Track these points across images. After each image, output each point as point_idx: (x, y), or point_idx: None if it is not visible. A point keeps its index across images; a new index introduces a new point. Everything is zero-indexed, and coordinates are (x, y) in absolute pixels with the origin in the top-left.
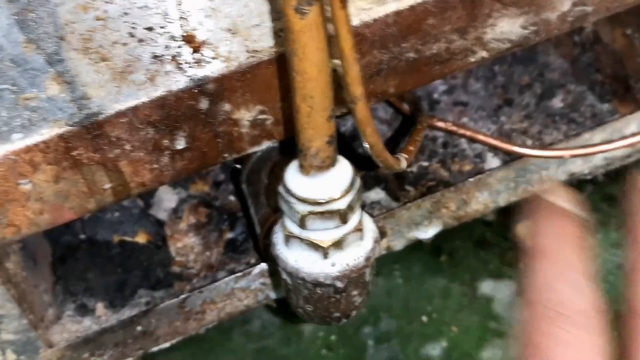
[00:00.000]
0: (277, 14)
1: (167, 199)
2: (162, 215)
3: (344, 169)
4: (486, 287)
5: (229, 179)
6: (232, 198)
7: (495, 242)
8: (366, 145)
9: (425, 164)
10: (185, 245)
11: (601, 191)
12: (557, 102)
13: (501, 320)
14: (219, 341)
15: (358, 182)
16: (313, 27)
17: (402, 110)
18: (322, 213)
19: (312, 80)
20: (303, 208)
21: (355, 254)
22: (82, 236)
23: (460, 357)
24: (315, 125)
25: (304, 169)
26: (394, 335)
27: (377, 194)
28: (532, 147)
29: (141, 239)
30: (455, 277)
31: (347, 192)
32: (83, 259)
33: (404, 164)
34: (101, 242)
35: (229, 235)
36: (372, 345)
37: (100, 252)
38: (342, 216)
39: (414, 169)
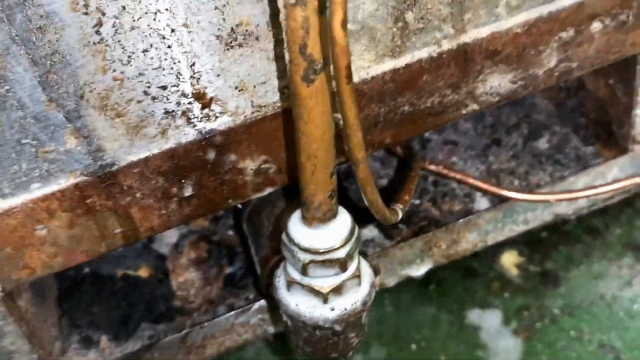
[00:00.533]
0: (282, 72)
1: (169, 234)
2: (164, 249)
3: (344, 220)
4: (473, 316)
5: (227, 213)
6: (230, 233)
7: (482, 272)
8: (366, 201)
9: (416, 202)
10: (186, 280)
11: (584, 223)
12: (543, 143)
13: (487, 349)
14: None
15: (357, 232)
16: (319, 93)
17: (396, 153)
18: (323, 262)
19: (317, 141)
20: (305, 257)
21: (353, 298)
22: (87, 270)
23: None
24: (318, 181)
25: (306, 220)
26: None
27: (371, 232)
28: (520, 190)
29: (144, 272)
30: (444, 306)
31: (346, 241)
32: (88, 292)
33: (400, 215)
34: (105, 276)
35: (229, 270)
36: None
37: (105, 286)
38: (342, 264)
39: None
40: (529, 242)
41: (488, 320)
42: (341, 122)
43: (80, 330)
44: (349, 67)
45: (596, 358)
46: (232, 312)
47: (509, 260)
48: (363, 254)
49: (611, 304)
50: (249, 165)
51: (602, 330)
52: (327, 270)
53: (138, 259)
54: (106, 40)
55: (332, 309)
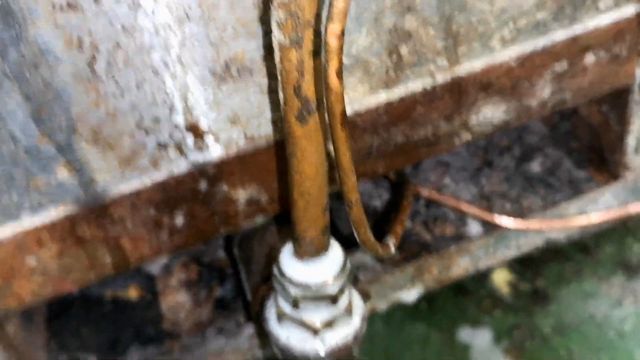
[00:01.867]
0: (276, 105)
1: None
2: (154, 270)
3: (335, 254)
4: (464, 334)
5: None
6: (221, 254)
7: (473, 289)
8: (359, 240)
9: (408, 225)
10: (176, 301)
11: (575, 242)
12: (535, 166)
13: None
14: None
15: (348, 266)
16: (313, 133)
17: (388, 177)
18: (314, 296)
19: (310, 179)
20: (296, 291)
21: (344, 332)
22: (76, 292)
23: None
24: (311, 218)
25: (298, 255)
26: None
27: (362, 257)
28: (512, 218)
29: (133, 292)
30: (434, 324)
31: (338, 276)
32: (77, 314)
33: (392, 250)
34: (94, 298)
35: (219, 292)
36: None
37: (94, 308)
38: (334, 299)
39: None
40: (520, 260)
41: (479, 339)
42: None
43: (69, 353)
44: (343, 114)
45: None
46: (222, 337)
47: (500, 278)
48: (354, 279)
49: (601, 324)
50: (241, 195)
51: (592, 351)
52: (319, 304)
53: (127, 279)
54: (100, 76)
55: (323, 343)
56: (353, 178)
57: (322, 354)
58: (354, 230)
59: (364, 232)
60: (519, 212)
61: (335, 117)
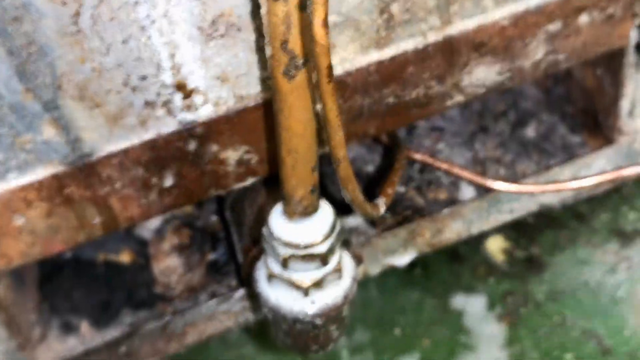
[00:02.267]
0: (264, 63)
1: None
2: (146, 234)
3: (325, 214)
4: (458, 300)
5: (212, 199)
6: (214, 218)
7: (467, 256)
8: (348, 198)
9: (402, 189)
10: (168, 266)
11: (570, 209)
12: (530, 131)
13: (471, 334)
14: (197, 350)
15: (338, 226)
16: (300, 89)
17: (381, 141)
18: (303, 256)
19: (298, 136)
20: (285, 251)
21: (334, 292)
22: (68, 255)
23: None
24: (299, 176)
25: (287, 215)
26: (367, 347)
27: (355, 220)
28: (505, 181)
29: (125, 257)
30: (428, 290)
31: (328, 236)
32: (69, 277)
33: (382, 210)
34: (86, 261)
35: (211, 256)
36: (347, 356)
37: (85, 271)
38: (323, 258)
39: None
40: (515, 227)
41: (472, 305)
42: (322, 112)
43: (61, 315)
44: (330, 67)
45: (579, 344)
46: (214, 300)
47: (495, 245)
48: (346, 243)
49: (595, 291)
50: (231, 155)
51: (586, 317)
52: (308, 264)
53: (120, 243)
54: (84, 31)
55: (313, 303)
56: (340, 133)
57: (312, 313)
58: (342, 188)
59: (352, 189)
60: (513, 177)
61: (321, 70)
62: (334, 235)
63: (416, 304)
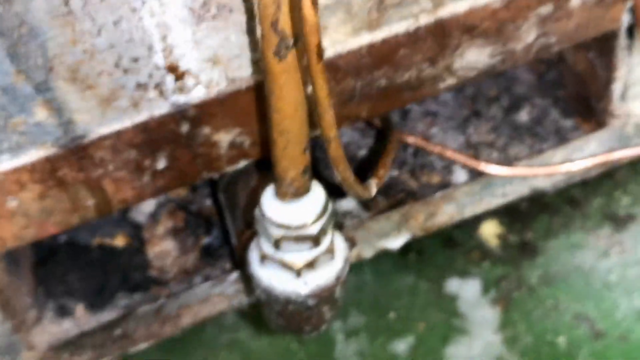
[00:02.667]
0: (256, 45)
1: (146, 202)
2: (141, 218)
3: (317, 195)
4: (452, 285)
5: (206, 183)
6: (208, 202)
7: (461, 241)
8: (339, 178)
9: (395, 173)
10: (163, 249)
11: (563, 194)
12: (523, 116)
13: (465, 318)
14: (192, 334)
15: (330, 208)
16: (290, 69)
17: (374, 124)
18: (295, 237)
19: (289, 117)
20: (278, 232)
21: (327, 273)
22: (63, 239)
23: (425, 353)
24: (291, 157)
25: (279, 196)
26: (362, 331)
27: (348, 203)
28: (497, 164)
29: (120, 241)
30: (423, 274)
31: (319, 217)
32: (64, 261)
33: (373, 191)
34: (81, 245)
35: (205, 240)
36: (341, 340)
37: (80, 255)
38: (315, 239)
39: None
40: (509, 212)
41: (467, 290)
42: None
43: (56, 299)
44: (319, 46)
45: (571, 328)
46: (208, 282)
47: (489, 230)
48: (340, 226)
49: (588, 275)
50: (223, 138)
51: (578, 301)
52: (300, 245)
53: (114, 227)
54: (75, 12)
55: (305, 284)
56: (330, 113)
57: (304, 294)
58: (333, 168)
59: (343, 169)
60: (506, 161)
61: (310, 49)
62: (326, 216)
63: (411, 288)
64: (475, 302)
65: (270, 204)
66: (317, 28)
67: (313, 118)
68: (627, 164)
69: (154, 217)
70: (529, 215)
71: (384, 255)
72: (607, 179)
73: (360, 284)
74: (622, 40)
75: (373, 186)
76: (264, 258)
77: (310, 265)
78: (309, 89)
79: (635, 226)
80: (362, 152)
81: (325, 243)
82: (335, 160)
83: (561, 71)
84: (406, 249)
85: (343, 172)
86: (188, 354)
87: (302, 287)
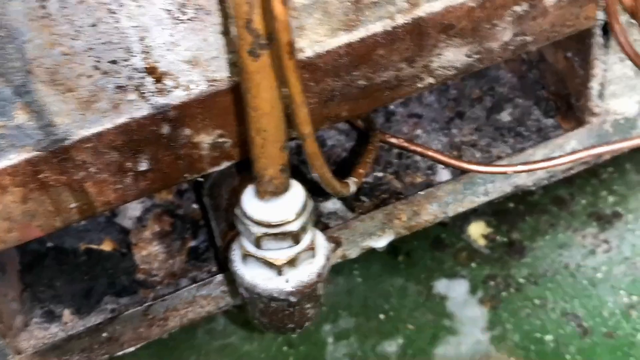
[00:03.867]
0: (233, 46)
1: (132, 207)
2: (127, 223)
3: (296, 193)
4: (441, 286)
5: (192, 187)
6: (194, 206)
7: (449, 242)
8: (315, 175)
9: (380, 174)
10: (150, 253)
11: (550, 193)
12: (505, 116)
13: (454, 318)
14: (183, 339)
15: (310, 205)
16: (265, 68)
17: (356, 125)
18: (276, 235)
19: (266, 115)
20: (258, 230)
21: (308, 270)
22: (49, 244)
23: (415, 353)
24: (269, 155)
25: (259, 194)
26: (352, 333)
27: (333, 204)
28: (479, 163)
29: (107, 246)
30: (412, 276)
31: (299, 215)
32: (50, 266)
33: (352, 189)
34: (68, 250)
35: (192, 243)
36: (332, 342)
37: (67, 260)
38: (295, 237)
39: (369, 179)
40: (497, 213)
41: (455, 290)
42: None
43: (43, 304)
44: (290, 44)
45: (559, 326)
46: (194, 285)
47: (477, 230)
48: (325, 226)
49: (575, 273)
50: (205, 139)
51: (566, 299)
52: (281, 242)
53: (101, 232)
54: (53, 15)
55: (287, 281)
56: (304, 110)
57: (286, 291)
58: (309, 165)
59: (319, 165)
60: (489, 161)
61: (282, 47)
62: (306, 213)
63: (400, 290)
64: (463, 302)
65: (250, 202)
66: (287, 25)
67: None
68: (611, 163)
69: (140, 221)
70: (516, 215)
71: (373, 257)
72: (592, 178)
73: (350, 286)
74: (598, 38)
75: (352, 184)
76: (245, 256)
77: (292, 262)
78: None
79: (621, 224)
80: (346, 154)
81: (305, 240)
82: (312, 156)
83: (542, 71)
84: (395, 251)
85: (319, 169)
86: (178, 358)
87: (284, 284)
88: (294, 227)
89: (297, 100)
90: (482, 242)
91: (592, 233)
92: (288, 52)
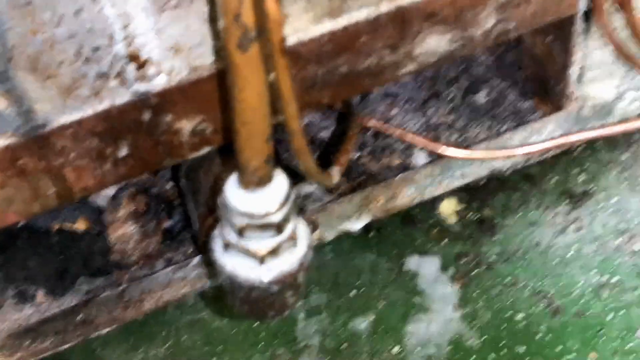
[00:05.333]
0: (218, 34)
1: None
2: (102, 202)
3: (280, 184)
4: (412, 262)
5: (167, 167)
6: (169, 185)
7: (421, 219)
8: (302, 168)
9: (356, 155)
10: (124, 233)
11: (522, 171)
12: (481, 97)
13: (425, 295)
14: (153, 315)
15: (293, 196)
16: (253, 61)
17: (336, 109)
18: (258, 225)
19: (251, 108)
20: (241, 220)
21: (290, 259)
22: (22, 223)
23: (386, 330)
24: (254, 147)
25: (243, 185)
26: (324, 309)
27: (310, 186)
28: (456, 147)
29: (80, 226)
30: (383, 252)
31: (282, 205)
32: (23, 246)
33: (336, 179)
34: (41, 230)
35: (167, 224)
36: (303, 319)
37: (40, 240)
38: (278, 227)
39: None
40: (468, 190)
41: (426, 267)
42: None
43: (16, 285)
44: (282, 42)
45: (530, 304)
46: (171, 267)
47: (448, 207)
48: (301, 209)
49: (546, 252)
50: (185, 125)
51: (537, 277)
52: (263, 233)
53: (75, 211)
54: (35, 2)
55: (269, 270)
56: (294, 106)
57: (268, 280)
58: (296, 159)
59: (306, 160)
60: (465, 142)
61: (274, 44)
62: (289, 204)
63: (371, 267)
64: (434, 279)
65: (233, 192)
66: (280, 25)
67: (275, 105)
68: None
69: (115, 200)
70: (487, 192)
71: (344, 234)
72: (563, 156)
73: (321, 263)
74: (579, 25)
75: (335, 174)
76: (227, 246)
77: (274, 252)
78: (271, 76)
79: (592, 203)
80: (323, 134)
81: (288, 230)
82: (299, 152)
83: (519, 54)
84: (366, 227)
85: (306, 163)
86: (150, 336)
87: (265, 273)
88: (277, 217)
89: (287, 98)
90: (453, 219)
91: (564, 211)
92: (280, 51)
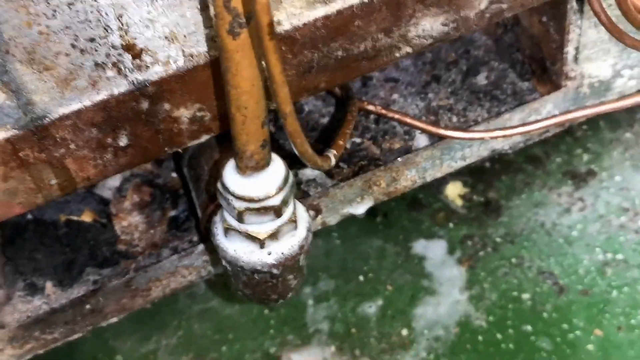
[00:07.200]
0: (210, 21)
1: (112, 178)
2: (107, 193)
3: (277, 168)
4: (419, 246)
5: (170, 156)
6: (174, 175)
7: (427, 203)
8: (297, 152)
9: (358, 140)
10: (130, 224)
11: (525, 152)
12: (481, 79)
13: (432, 278)
14: (164, 304)
15: (291, 179)
16: (245, 46)
17: (334, 93)
18: (258, 209)
19: (246, 93)
20: (240, 205)
21: (290, 243)
22: (29, 216)
23: (394, 314)
24: (250, 131)
25: (240, 170)
26: (332, 295)
27: (312, 172)
28: (456, 129)
29: (87, 217)
30: (390, 237)
31: (280, 189)
32: (31, 239)
33: (332, 162)
34: (48, 222)
35: (172, 213)
36: (312, 305)
37: (48, 232)
38: (277, 211)
39: (348, 145)
40: (473, 173)
41: (433, 250)
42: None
43: (25, 277)
44: (271, 25)
45: (536, 284)
46: (176, 255)
47: (454, 191)
48: (304, 194)
49: (550, 232)
50: (184, 113)
51: (542, 257)
52: (263, 217)
53: (81, 203)
54: None
55: (269, 254)
56: (285, 89)
57: (269, 263)
58: (290, 142)
59: (300, 143)
60: (465, 125)
61: (262, 28)
62: (287, 187)
63: (378, 252)
64: (441, 262)
65: (231, 177)
66: (268, 7)
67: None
68: (586, 121)
69: (120, 192)
70: (492, 175)
71: (351, 219)
72: (567, 136)
73: (328, 249)
74: (573, 3)
75: (332, 157)
76: (228, 230)
77: (274, 235)
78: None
79: (596, 182)
80: (324, 120)
81: (287, 213)
82: (293, 134)
83: (517, 34)
84: (373, 212)
85: (300, 146)
86: (161, 326)
87: (266, 257)
88: (276, 201)
89: (278, 81)
90: (459, 202)
91: (567, 191)
92: (268, 34)
